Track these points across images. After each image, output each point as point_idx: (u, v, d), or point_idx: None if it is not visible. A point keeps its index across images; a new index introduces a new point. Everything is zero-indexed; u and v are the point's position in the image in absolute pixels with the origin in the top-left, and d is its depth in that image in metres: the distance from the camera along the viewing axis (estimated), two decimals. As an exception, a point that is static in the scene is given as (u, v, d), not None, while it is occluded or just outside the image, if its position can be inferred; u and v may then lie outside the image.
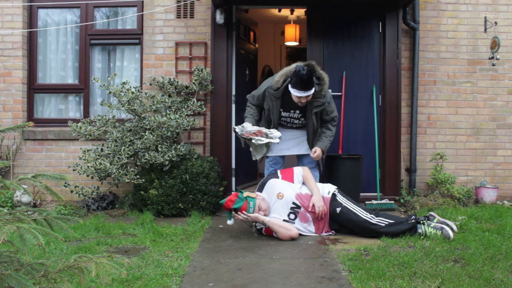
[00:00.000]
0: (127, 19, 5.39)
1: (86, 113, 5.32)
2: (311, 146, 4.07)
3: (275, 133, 3.77)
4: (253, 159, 4.00)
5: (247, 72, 5.65)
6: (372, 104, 5.05)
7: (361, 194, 4.71)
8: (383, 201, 4.77)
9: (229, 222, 3.65)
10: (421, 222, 3.58)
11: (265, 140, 3.68)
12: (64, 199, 2.94)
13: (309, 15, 5.11)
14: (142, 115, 4.67)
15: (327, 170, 4.63)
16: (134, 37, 5.33)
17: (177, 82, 5.00)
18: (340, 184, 4.07)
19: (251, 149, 3.94)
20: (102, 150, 4.58)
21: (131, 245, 3.41)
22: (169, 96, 4.91)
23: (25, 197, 4.57)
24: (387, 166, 4.97)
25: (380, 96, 5.09)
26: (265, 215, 3.59)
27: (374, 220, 3.55)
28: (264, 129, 3.79)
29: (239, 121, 5.04)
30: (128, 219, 4.36)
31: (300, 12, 6.78)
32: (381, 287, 2.43)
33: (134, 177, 4.46)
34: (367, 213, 3.59)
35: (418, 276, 2.57)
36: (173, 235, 3.67)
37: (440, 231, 3.47)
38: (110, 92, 4.66)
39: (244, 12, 5.54)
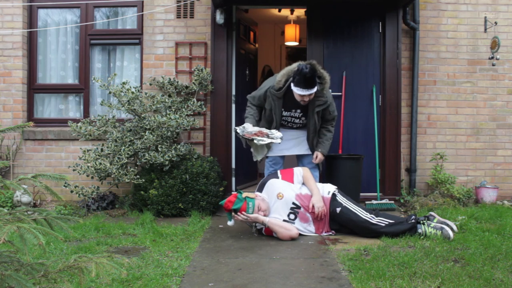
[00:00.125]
0: (127, 19, 5.39)
1: (86, 113, 5.32)
2: (311, 145, 4.07)
3: (276, 133, 3.77)
4: (254, 159, 4.00)
5: (247, 72, 5.65)
6: (372, 104, 5.05)
7: (361, 194, 4.71)
8: (383, 201, 4.77)
9: (230, 223, 3.66)
10: (421, 222, 3.58)
11: (267, 141, 3.68)
12: (64, 199, 2.95)
13: (309, 15, 5.11)
14: (142, 115, 4.67)
15: (327, 170, 4.63)
16: (134, 37, 5.33)
17: (177, 82, 5.00)
18: (340, 184, 4.07)
19: (252, 149, 3.94)
20: (102, 150, 4.58)
21: (131, 245, 3.41)
22: (169, 96, 4.91)
23: (25, 197, 4.57)
24: (387, 166, 4.97)
25: (380, 96, 5.09)
26: (265, 215, 3.59)
27: (374, 220, 3.55)
28: (265, 130, 3.79)
29: (239, 121, 5.04)
30: (128, 219, 4.36)
31: (300, 12, 6.78)
32: (381, 287, 2.43)
33: (134, 177, 4.46)
34: (367, 213, 3.59)
35: (418, 276, 2.57)
36: (173, 235, 3.67)
37: (440, 231, 3.47)
38: (110, 92, 4.66)
39: (244, 12, 5.54)
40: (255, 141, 3.69)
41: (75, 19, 5.42)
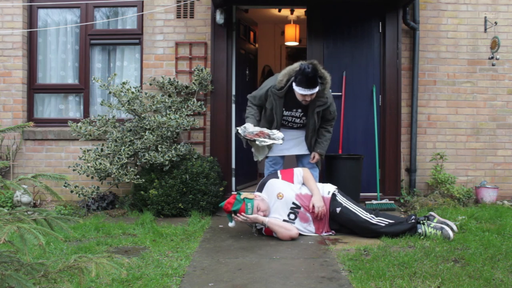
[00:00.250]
0: (127, 19, 5.39)
1: (86, 113, 5.32)
2: (309, 144, 4.08)
3: (277, 134, 3.76)
4: (255, 159, 4.00)
5: (247, 72, 5.65)
6: (372, 104, 5.05)
7: (361, 194, 4.71)
8: (383, 201, 4.77)
9: (231, 224, 3.66)
10: (421, 222, 3.58)
11: (269, 142, 3.68)
12: (64, 199, 2.94)
13: (309, 15, 5.11)
14: (142, 115, 4.67)
15: (327, 170, 4.63)
16: (134, 37, 5.33)
17: (177, 82, 5.00)
18: (340, 184, 4.07)
19: (253, 149, 3.94)
20: (102, 150, 4.58)
21: (131, 245, 3.41)
22: (169, 96, 4.91)
23: (25, 197, 4.57)
24: (387, 166, 4.97)
25: (380, 96, 5.09)
26: (264, 215, 3.59)
27: (374, 220, 3.55)
28: (266, 130, 3.78)
29: (239, 121, 5.04)
30: (128, 219, 4.36)
31: (300, 12, 6.78)
32: (381, 287, 2.43)
33: (134, 177, 4.46)
34: (367, 213, 3.59)
35: (418, 276, 2.57)
36: (173, 235, 3.67)
37: (440, 231, 3.47)
38: (110, 92, 4.66)
39: (244, 12, 5.54)
40: (257, 142, 3.68)
41: (75, 19, 5.42)
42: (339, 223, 3.67)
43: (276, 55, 8.22)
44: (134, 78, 5.38)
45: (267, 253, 3.15)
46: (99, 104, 5.18)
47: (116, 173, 4.40)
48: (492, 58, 5.02)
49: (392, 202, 4.79)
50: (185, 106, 4.86)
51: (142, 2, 5.25)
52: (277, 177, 3.80)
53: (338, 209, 3.63)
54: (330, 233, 3.70)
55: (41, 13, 5.43)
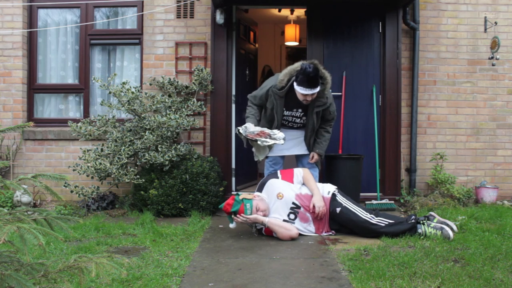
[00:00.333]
0: (127, 19, 5.39)
1: (86, 113, 5.32)
2: (308, 144, 4.08)
3: (278, 134, 3.76)
4: (255, 159, 3.99)
5: (247, 72, 5.65)
6: (372, 104, 5.05)
7: (361, 194, 4.71)
8: (383, 201, 4.77)
9: (231, 225, 3.67)
10: (421, 222, 3.58)
11: (271, 142, 3.67)
12: (64, 199, 2.95)
13: (309, 15, 5.11)
14: (142, 115, 4.67)
15: (327, 170, 4.63)
16: (134, 37, 5.33)
17: (177, 82, 5.00)
18: (340, 184, 4.07)
19: (253, 149, 3.94)
20: (102, 150, 4.58)
21: (131, 245, 3.41)
22: (169, 96, 4.91)
23: (25, 197, 4.57)
24: (387, 166, 4.97)
25: (380, 96, 5.09)
26: (264, 215, 3.59)
27: (374, 220, 3.55)
28: (267, 130, 3.78)
29: (239, 121, 5.04)
30: (128, 219, 4.36)
31: (300, 12, 6.78)
32: (381, 287, 2.43)
33: (134, 177, 4.46)
34: (367, 213, 3.59)
35: (418, 276, 2.57)
36: (173, 235, 3.67)
37: (440, 231, 3.47)
38: (110, 92, 4.66)
39: (244, 12, 5.54)
40: (259, 142, 3.68)
41: (75, 19, 5.42)
42: (339, 223, 3.67)
43: (276, 55, 8.21)
44: (134, 78, 5.38)
45: (267, 253, 3.15)
46: (99, 104, 5.18)
47: (116, 173, 4.40)
48: (492, 58, 5.02)
49: (392, 202, 4.79)
50: (185, 106, 4.86)
51: (142, 2, 5.25)
52: (277, 177, 3.80)
53: (338, 209, 3.63)
54: (330, 233, 3.70)
55: (41, 13, 5.43)
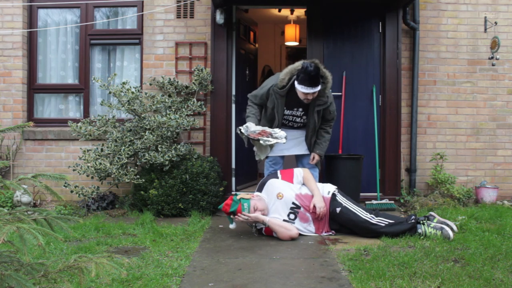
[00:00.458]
0: (127, 19, 5.39)
1: (86, 113, 5.32)
2: (309, 144, 4.08)
3: (279, 133, 3.76)
4: (257, 159, 3.99)
5: (247, 72, 5.65)
6: (372, 104, 5.05)
7: (361, 194, 4.71)
8: (383, 201, 4.77)
9: (231, 226, 3.67)
10: (421, 222, 3.58)
11: (273, 141, 3.67)
12: (64, 199, 2.94)
13: (309, 15, 5.11)
14: (142, 115, 4.67)
15: (327, 170, 4.63)
16: (134, 37, 5.33)
17: (177, 82, 5.00)
18: (340, 184, 4.07)
19: (255, 149, 3.94)
20: (102, 150, 4.58)
21: (131, 245, 3.41)
22: (169, 96, 4.91)
23: (25, 197, 4.57)
24: (387, 166, 4.97)
25: (380, 96, 5.09)
26: (263, 215, 3.59)
27: (374, 220, 3.55)
28: (268, 129, 3.78)
29: (239, 121, 5.04)
30: (128, 219, 4.36)
31: (300, 12, 6.78)
32: (381, 287, 2.43)
33: (134, 177, 4.46)
34: (367, 213, 3.59)
35: (418, 276, 2.57)
36: (173, 235, 3.67)
37: (440, 231, 3.47)
38: (110, 92, 4.66)
39: (244, 12, 5.54)
40: (261, 142, 3.68)
41: (75, 19, 5.42)
42: (339, 223, 3.67)
43: (276, 55, 8.21)
44: (134, 78, 5.38)
45: (267, 253, 3.15)
46: (99, 104, 5.18)
47: (116, 173, 4.40)
48: (492, 58, 5.02)
49: (392, 202, 4.79)
50: (185, 106, 4.86)
51: (142, 2, 5.25)
52: (277, 177, 3.80)
53: (338, 209, 3.63)
54: (330, 233, 3.70)
55: (41, 13, 5.43)
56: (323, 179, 4.50)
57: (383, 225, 3.52)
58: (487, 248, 3.15)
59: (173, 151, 4.46)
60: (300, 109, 3.99)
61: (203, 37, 5.20)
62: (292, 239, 3.51)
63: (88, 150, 4.61)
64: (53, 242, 3.29)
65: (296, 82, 3.79)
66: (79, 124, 4.64)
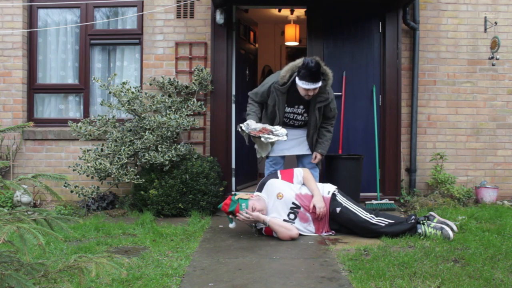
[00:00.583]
0: (127, 19, 5.39)
1: (86, 113, 5.32)
2: (311, 142, 4.08)
3: (280, 130, 3.77)
4: (258, 156, 4.00)
5: (247, 72, 5.65)
6: (372, 104, 5.05)
7: (361, 194, 4.71)
8: (383, 201, 4.77)
9: (231, 225, 3.68)
10: (421, 222, 3.58)
11: (274, 138, 3.68)
12: (64, 199, 2.95)
13: (309, 15, 5.11)
14: (142, 115, 4.67)
15: (327, 170, 4.63)
16: (134, 37, 5.33)
17: (177, 82, 5.00)
18: (340, 184, 4.07)
19: (256, 146, 3.94)
20: (102, 150, 4.58)
21: (131, 245, 3.41)
22: (169, 96, 4.91)
23: (25, 197, 4.57)
24: (387, 166, 4.97)
25: (380, 96, 5.09)
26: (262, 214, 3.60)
27: (374, 220, 3.55)
28: (268, 127, 3.79)
29: (239, 121, 5.03)
30: (128, 219, 4.36)
31: (300, 12, 6.78)
32: (381, 287, 2.43)
33: (134, 177, 4.46)
34: (367, 213, 3.59)
35: (418, 276, 2.57)
36: (173, 235, 3.67)
37: (440, 231, 3.47)
38: (110, 92, 4.66)
39: (244, 12, 5.54)
40: (262, 139, 3.68)
41: (75, 19, 5.42)
42: (339, 223, 3.67)
43: (276, 55, 8.21)
44: (134, 78, 5.38)
45: (267, 253, 3.15)
46: (99, 104, 5.18)
47: (116, 173, 4.40)
48: (492, 58, 5.02)
49: (392, 202, 4.79)
50: (185, 106, 4.86)
51: (142, 2, 5.25)
52: (277, 177, 3.80)
53: (338, 209, 3.63)
54: (330, 233, 3.70)
55: (41, 13, 5.43)
56: (323, 179, 4.50)
57: (383, 225, 3.52)
58: (487, 248, 3.15)
59: (173, 151, 4.46)
60: (301, 107, 3.99)
61: (203, 37, 5.20)
62: (292, 239, 3.51)
63: (88, 150, 4.61)
64: (53, 242, 3.29)
65: (297, 78, 3.80)
66: (79, 124, 4.64)
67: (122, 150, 4.46)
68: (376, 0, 5.01)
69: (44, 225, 1.80)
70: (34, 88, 5.40)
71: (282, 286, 2.48)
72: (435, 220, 3.63)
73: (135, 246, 3.37)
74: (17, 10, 5.25)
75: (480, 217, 4.18)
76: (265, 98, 4.01)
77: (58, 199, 2.74)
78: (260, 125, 3.79)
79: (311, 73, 3.70)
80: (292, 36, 7.27)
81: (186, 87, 4.96)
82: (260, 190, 3.80)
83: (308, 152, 4.14)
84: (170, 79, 4.98)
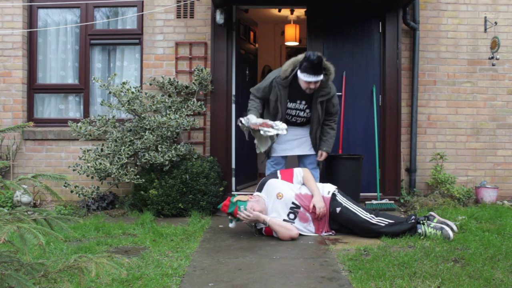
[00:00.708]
0: (127, 19, 5.39)
1: (86, 113, 5.32)
2: (314, 137, 4.09)
3: (281, 125, 3.77)
4: (257, 151, 4.00)
5: (247, 72, 5.64)
6: (372, 104, 5.05)
7: (361, 194, 4.71)
8: (383, 201, 4.77)
9: (231, 225, 3.69)
10: (421, 222, 3.58)
11: (273, 132, 3.68)
12: (64, 199, 2.95)
13: (309, 15, 5.11)
14: (142, 115, 4.67)
15: (327, 170, 4.63)
16: (134, 37, 5.33)
17: (177, 82, 5.00)
18: (340, 184, 4.07)
19: (255, 141, 3.94)
20: (102, 150, 4.58)
21: (131, 245, 3.41)
22: (169, 96, 4.91)
23: (25, 197, 4.57)
24: (387, 166, 4.97)
25: (380, 96, 5.09)
26: (263, 215, 3.60)
27: (374, 220, 3.55)
28: (269, 122, 3.79)
29: (239, 121, 5.04)
30: (128, 219, 4.36)
31: (300, 12, 6.77)
32: (381, 287, 2.43)
33: (134, 177, 4.46)
34: (367, 213, 3.59)
35: (418, 276, 2.57)
36: (173, 235, 3.67)
37: (440, 231, 3.47)
38: (110, 92, 4.66)
39: (244, 12, 5.54)
40: (261, 132, 3.69)
41: (75, 19, 5.42)
42: (339, 223, 3.67)
43: (276, 55, 8.21)
44: (134, 78, 5.38)
45: (267, 253, 3.15)
46: (99, 104, 5.18)
47: (116, 173, 4.40)
48: (492, 58, 5.02)
49: (392, 202, 4.79)
50: (185, 106, 4.86)
51: (142, 2, 5.25)
52: (277, 177, 3.80)
53: (338, 209, 3.63)
54: (330, 233, 3.70)
55: (41, 13, 5.43)
56: (323, 179, 4.50)
57: (383, 225, 3.52)
58: (487, 248, 3.15)
59: (173, 151, 4.46)
60: (303, 102, 3.99)
61: (203, 37, 5.20)
62: (292, 239, 3.51)
63: (88, 150, 4.61)
64: (53, 242, 3.29)
65: (299, 71, 3.82)
66: (79, 124, 4.64)
67: (122, 150, 4.46)
68: (376, 0, 5.01)
69: (44, 225, 1.80)
70: (34, 88, 5.40)
71: (282, 286, 2.48)
72: (435, 220, 3.63)
73: (135, 246, 3.37)
74: (17, 10, 5.25)
75: (480, 217, 4.18)
76: (267, 94, 4.01)
77: (58, 199, 2.74)
78: (260, 120, 3.80)
79: (313, 65, 3.72)
80: (292, 36, 7.27)
81: (186, 87, 4.96)
82: (260, 190, 3.80)
83: (310, 152, 4.15)
84: (170, 79, 4.98)
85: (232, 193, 4.94)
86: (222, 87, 5.05)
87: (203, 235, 3.72)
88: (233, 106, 5.16)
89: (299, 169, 3.85)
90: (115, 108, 4.75)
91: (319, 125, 4.06)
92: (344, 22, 5.13)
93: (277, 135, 3.79)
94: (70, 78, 5.46)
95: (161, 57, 5.22)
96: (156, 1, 5.21)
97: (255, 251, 3.20)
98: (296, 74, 3.86)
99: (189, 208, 4.47)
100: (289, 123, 4.06)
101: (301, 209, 3.64)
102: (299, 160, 4.24)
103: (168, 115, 4.52)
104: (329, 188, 3.76)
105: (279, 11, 6.79)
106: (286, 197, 3.64)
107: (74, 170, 4.55)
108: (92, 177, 4.56)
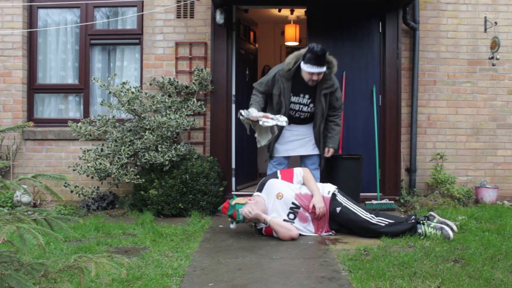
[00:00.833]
0: (127, 19, 5.39)
1: (86, 113, 5.32)
2: (318, 132, 4.10)
3: (281, 118, 3.77)
4: (258, 145, 4.00)
5: (247, 72, 5.64)
6: (372, 104, 5.05)
7: (361, 194, 4.71)
8: (383, 201, 4.77)
9: (232, 226, 3.70)
10: (421, 222, 3.58)
11: (272, 122, 3.68)
12: (64, 199, 2.95)
13: (309, 15, 5.12)
14: (142, 115, 4.67)
15: (327, 170, 4.62)
16: (134, 37, 5.33)
17: (177, 82, 5.00)
18: (340, 184, 4.07)
19: (256, 135, 3.94)
20: (102, 150, 4.58)
21: (131, 245, 3.41)
22: (169, 96, 4.91)
23: (25, 197, 4.57)
24: (387, 166, 4.97)
25: (380, 96, 5.09)
26: (262, 215, 3.60)
27: (374, 220, 3.55)
28: (270, 115, 3.79)
29: (239, 121, 5.04)
30: (128, 219, 4.36)
31: (300, 12, 6.78)
32: (381, 287, 2.43)
33: (134, 177, 4.46)
34: (367, 213, 3.59)
35: (418, 276, 2.57)
36: (173, 235, 3.67)
37: (440, 231, 3.47)
38: (110, 92, 4.66)
39: (244, 12, 5.54)
40: (260, 123, 3.69)
41: (75, 19, 5.42)
42: (339, 223, 3.67)
43: (276, 55, 8.22)
44: (134, 78, 5.38)
45: (267, 253, 3.15)
46: (99, 104, 5.18)
47: (116, 173, 4.40)
48: (492, 58, 5.02)
49: (392, 202, 4.79)
50: (185, 106, 4.86)
51: (142, 2, 5.25)
52: (277, 177, 3.80)
53: (338, 209, 3.63)
54: (330, 233, 3.70)
55: (41, 13, 5.43)
56: (323, 179, 4.50)
57: (383, 225, 3.52)
58: (487, 248, 3.15)
59: (173, 151, 4.46)
60: (307, 96, 4.00)
61: (203, 37, 5.20)
62: (293, 239, 3.51)
63: (88, 150, 4.61)
64: (53, 242, 3.29)
65: (302, 63, 3.84)
66: (79, 124, 4.64)
67: (122, 150, 4.46)
68: (376, 0, 5.01)
69: (44, 225, 1.80)
70: (34, 88, 5.40)
71: (282, 286, 2.48)
72: (435, 220, 3.63)
73: (135, 246, 3.37)
74: (17, 10, 5.25)
75: (480, 217, 4.18)
76: (270, 88, 4.02)
77: (58, 199, 2.74)
78: (261, 114, 3.80)
79: (317, 57, 3.74)
80: (292, 36, 7.27)
81: (186, 87, 4.96)
82: (260, 190, 3.80)
83: (313, 152, 4.15)
84: (170, 79, 4.98)
85: (232, 193, 4.94)
86: (222, 87, 5.05)
87: (203, 235, 3.72)
88: (233, 106, 5.16)
89: (299, 169, 3.85)
90: (115, 108, 4.75)
91: (323, 119, 4.07)
92: (344, 22, 5.13)
93: (278, 129, 3.78)
94: (70, 78, 5.46)
95: (161, 57, 5.22)
96: (156, 1, 5.21)
97: (255, 251, 3.20)
98: (299, 68, 3.88)
99: (189, 208, 4.47)
100: (293, 119, 4.06)
101: (301, 209, 3.64)
102: (301, 160, 4.24)
103: (168, 115, 4.52)
104: (329, 188, 3.76)
105: (279, 11, 6.79)
106: (286, 197, 3.64)
107: (74, 170, 4.55)
108: (92, 177, 4.57)
